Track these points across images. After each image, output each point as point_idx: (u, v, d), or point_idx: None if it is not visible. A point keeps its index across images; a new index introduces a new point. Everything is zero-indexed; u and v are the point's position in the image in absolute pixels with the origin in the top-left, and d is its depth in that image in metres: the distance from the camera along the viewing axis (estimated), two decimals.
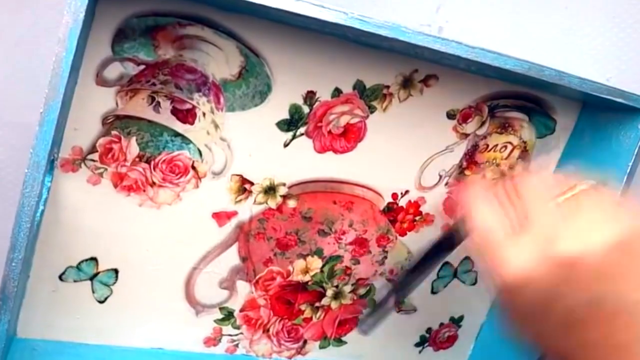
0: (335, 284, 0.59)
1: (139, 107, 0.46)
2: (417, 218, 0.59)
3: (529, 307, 0.36)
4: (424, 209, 0.59)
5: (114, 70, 0.45)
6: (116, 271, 0.52)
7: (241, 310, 0.57)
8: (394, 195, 0.57)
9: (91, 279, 0.51)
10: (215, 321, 0.57)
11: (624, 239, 0.34)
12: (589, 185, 0.38)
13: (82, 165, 0.47)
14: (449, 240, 0.47)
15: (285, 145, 0.51)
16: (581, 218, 0.36)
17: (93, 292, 0.52)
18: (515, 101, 0.57)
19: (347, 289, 0.60)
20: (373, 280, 0.60)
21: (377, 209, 0.57)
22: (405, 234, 0.59)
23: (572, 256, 0.34)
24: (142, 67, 0.45)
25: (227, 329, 0.58)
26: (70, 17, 0.36)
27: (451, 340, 0.68)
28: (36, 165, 0.37)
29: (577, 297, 0.34)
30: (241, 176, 0.51)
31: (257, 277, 0.56)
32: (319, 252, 0.57)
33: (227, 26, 0.46)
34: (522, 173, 0.41)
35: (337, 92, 0.51)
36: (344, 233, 0.57)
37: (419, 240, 0.60)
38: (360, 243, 0.58)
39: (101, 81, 0.45)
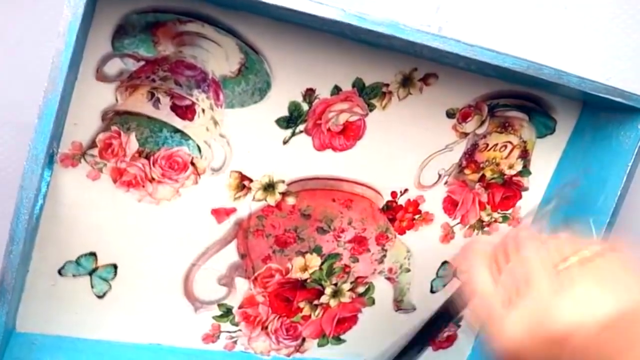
0: (334, 282, 0.59)
1: (139, 102, 0.47)
2: (416, 217, 0.59)
3: None
4: (423, 207, 0.59)
5: (114, 66, 0.45)
6: (115, 266, 0.52)
7: (240, 307, 0.57)
8: (393, 194, 0.57)
9: (90, 273, 0.51)
10: (213, 318, 0.57)
11: (620, 316, 0.34)
12: (592, 252, 0.38)
13: (82, 160, 0.47)
14: (447, 312, 0.47)
15: (285, 142, 0.51)
16: (578, 289, 0.36)
17: (92, 287, 0.52)
18: (515, 100, 0.57)
19: (346, 287, 0.60)
20: (372, 278, 0.60)
21: (377, 207, 0.57)
22: (405, 232, 0.59)
23: (565, 331, 0.34)
24: (142, 63, 0.46)
25: (226, 325, 0.58)
26: (70, 12, 0.36)
27: (450, 339, 0.67)
28: (34, 158, 0.37)
29: None
30: (240, 173, 0.51)
31: (256, 274, 0.56)
32: (317, 250, 0.57)
33: (227, 23, 0.46)
34: (526, 233, 0.42)
35: (336, 89, 0.51)
36: (343, 231, 0.57)
37: (418, 239, 0.60)
38: (359, 241, 0.58)
39: (101, 77, 0.45)
